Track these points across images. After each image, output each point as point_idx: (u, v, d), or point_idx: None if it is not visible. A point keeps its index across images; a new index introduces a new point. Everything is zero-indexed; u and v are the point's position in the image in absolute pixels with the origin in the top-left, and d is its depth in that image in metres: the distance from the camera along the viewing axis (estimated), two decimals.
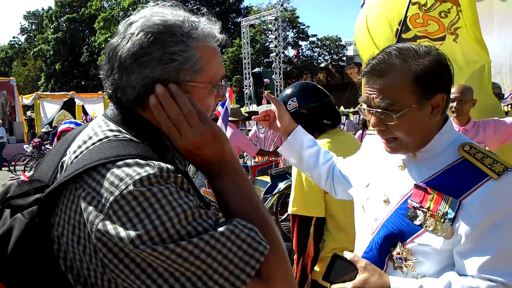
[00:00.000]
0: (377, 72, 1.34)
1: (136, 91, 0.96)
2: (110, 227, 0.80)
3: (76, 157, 0.93)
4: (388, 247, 1.42)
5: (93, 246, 0.83)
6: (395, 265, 1.40)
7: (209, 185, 1.03)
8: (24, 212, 0.89)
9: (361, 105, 1.42)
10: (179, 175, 0.88)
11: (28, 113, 26.45)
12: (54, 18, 47.97)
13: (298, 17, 39.01)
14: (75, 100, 23.86)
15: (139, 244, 0.78)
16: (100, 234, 0.80)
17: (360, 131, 10.05)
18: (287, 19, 35.76)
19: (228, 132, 6.29)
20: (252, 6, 41.50)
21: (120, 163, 0.85)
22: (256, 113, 10.70)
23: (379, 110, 1.34)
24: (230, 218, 0.91)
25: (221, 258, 0.82)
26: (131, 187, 0.81)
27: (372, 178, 1.59)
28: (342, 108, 11.30)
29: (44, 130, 19.92)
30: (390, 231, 1.41)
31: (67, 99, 23.92)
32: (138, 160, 0.86)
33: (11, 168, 15.25)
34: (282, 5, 35.29)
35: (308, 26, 39.62)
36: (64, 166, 0.96)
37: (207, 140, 0.97)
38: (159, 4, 1.02)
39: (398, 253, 1.38)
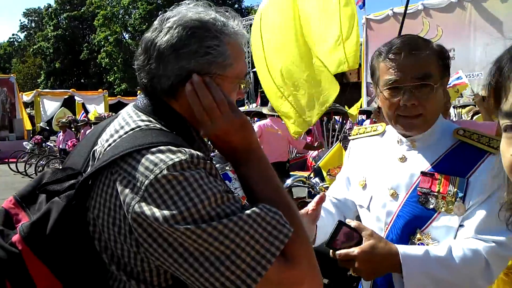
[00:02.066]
0: (412, 47, 1.41)
1: (170, 81, 1.02)
2: (145, 208, 0.85)
3: (109, 145, 0.99)
4: (408, 235, 1.46)
5: (128, 226, 0.89)
6: None
7: (233, 171, 1.09)
8: (61, 196, 0.94)
9: (387, 87, 1.44)
10: (208, 161, 0.94)
11: (28, 110, 26.39)
12: (54, 16, 47.85)
13: None
14: (75, 97, 23.85)
15: (173, 223, 0.84)
16: (136, 215, 0.86)
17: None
18: None
19: (275, 126, 6.58)
20: (253, 6, 41.50)
21: (154, 149, 0.91)
22: (259, 113, 10.73)
23: (417, 83, 1.39)
24: (255, 203, 0.95)
25: (248, 238, 0.86)
26: (165, 172, 0.87)
27: (368, 177, 1.63)
28: (346, 108, 11.44)
29: (41, 124, 19.89)
30: (407, 220, 1.46)
31: (67, 96, 23.94)
32: (170, 147, 0.92)
33: (11, 166, 15.22)
34: None
35: None
36: (96, 155, 1.02)
37: (236, 128, 1.03)
38: (192, 4, 1.08)
39: (419, 239, 1.43)
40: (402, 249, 1.34)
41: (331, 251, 1.35)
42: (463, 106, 11.80)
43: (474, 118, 5.81)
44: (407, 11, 15.41)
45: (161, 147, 0.91)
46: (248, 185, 1.04)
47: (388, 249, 1.32)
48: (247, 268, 0.86)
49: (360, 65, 7.25)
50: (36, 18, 54.65)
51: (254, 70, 20.61)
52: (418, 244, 1.43)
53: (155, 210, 0.85)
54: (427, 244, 1.41)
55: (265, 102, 20.28)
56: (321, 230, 1.57)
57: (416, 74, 1.39)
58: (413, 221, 1.45)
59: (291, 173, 6.90)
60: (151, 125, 1.01)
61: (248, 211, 0.89)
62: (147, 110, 1.05)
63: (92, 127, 11.63)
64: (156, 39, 1.02)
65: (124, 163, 0.92)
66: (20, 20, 67.56)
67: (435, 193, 1.41)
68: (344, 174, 1.80)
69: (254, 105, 19.00)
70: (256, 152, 1.07)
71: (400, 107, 1.43)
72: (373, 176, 1.61)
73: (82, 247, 0.94)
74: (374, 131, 1.72)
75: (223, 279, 0.85)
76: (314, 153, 7.57)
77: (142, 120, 1.02)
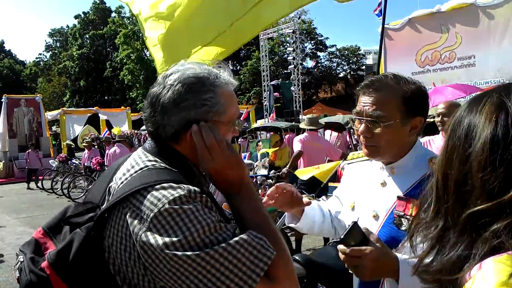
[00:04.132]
0: (374, 86, 1.59)
1: (174, 129, 1.18)
2: (150, 237, 1.01)
3: (122, 183, 1.15)
4: None
5: (136, 253, 1.04)
6: None
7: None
8: (82, 228, 1.10)
9: (353, 115, 1.67)
10: (204, 195, 1.08)
11: (54, 128, 27.13)
12: (78, 35, 49.33)
13: (315, 28, 39.29)
14: (99, 115, 24.47)
15: (173, 250, 0.98)
16: (142, 243, 1.01)
17: None
18: (304, 31, 36.00)
19: (314, 139, 7.08)
20: None
21: (157, 186, 1.07)
22: (274, 128, 10.81)
23: (369, 119, 1.58)
24: (244, 230, 1.09)
25: (236, 261, 1.00)
26: (167, 206, 1.02)
27: (356, 200, 1.79)
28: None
29: (67, 142, 20.44)
30: (384, 240, 1.55)
31: (91, 114, 24.62)
32: (171, 183, 1.07)
33: (39, 184, 15.59)
34: (299, 17, 35.56)
35: (327, 38, 39.87)
36: (112, 191, 1.19)
37: (232, 165, 1.20)
38: (188, 61, 1.28)
39: None
40: (400, 256, 1.45)
41: (340, 246, 1.43)
42: None
43: None
44: (425, 19, 15.27)
45: (164, 184, 1.07)
46: (239, 214, 1.19)
47: (392, 255, 1.44)
48: (236, 287, 1.00)
49: (377, 73, 7.28)
50: (60, 38, 56.41)
51: (272, 83, 20.45)
52: None
53: (158, 238, 1.00)
54: None
55: (280, 115, 20.39)
56: (309, 219, 1.88)
57: (370, 111, 1.57)
58: (390, 241, 1.56)
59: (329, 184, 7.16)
60: (157, 165, 1.17)
61: (236, 238, 1.03)
62: (153, 152, 1.22)
63: (115, 145, 11.94)
64: (160, 95, 1.18)
65: (134, 198, 1.07)
66: (45, 41, 69.41)
67: (408, 216, 1.53)
68: (340, 195, 1.99)
69: (269, 118, 19.13)
70: (247, 186, 1.22)
71: (360, 135, 1.65)
72: (360, 199, 1.77)
73: (99, 271, 1.09)
74: (364, 156, 1.86)
75: None
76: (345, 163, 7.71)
77: (149, 160, 1.19)
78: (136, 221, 1.04)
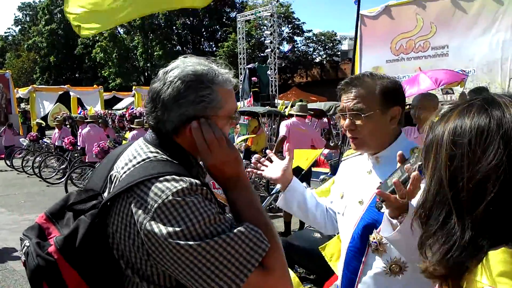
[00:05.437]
0: (353, 83, 1.77)
1: (174, 124, 1.24)
2: (154, 226, 1.07)
3: (125, 172, 1.21)
4: (367, 235, 1.75)
5: (140, 240, 1.11)
6: (372, 248, 1.73)
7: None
8: (86, 214, 1.16)
9: (337, 113, 1.85)
10: (204, 188, 1.15)
11: (22, 105, 26.37)
12: (47, 11, 47.70)
13: (293, 12, 39.05)
14: (70, 93, 23.93)
15: (175, 239, 1.05)
16: (147, 231, 1.08)
17: None
18: (282, 15, 35.82)
19: (301, 125, 7.34)
20: (248, 0, 41.37)
21: (161, 178, 1.13)
22: (252, 113, 10.84)
23: (352, 113, 1.74)
24: (241, 222, 1.17)
25: (234, 252, 1.08)
26: (170, 197, 1.09)
27: (345, 189, 1.93)
28: (336, 102, 11.30)
29: (37, 121, 20.00)
30: (367, 222, 1.75)
31: (62, 92, 24.02)
32: (174, 176, 1.13)
33: (7, 162, 15.31)
34: (278, 1, 35.36)
35: (303, 23, 39.75)
36: (114, 180, 1.25)
37: (230, 160, 1.27)
38: (190, 56, 1.32)
39: (374, 238, 1.71)
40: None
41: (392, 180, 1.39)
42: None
43: None
44: (401, 8, 15.39)
45: (167, 177, 1.13)
46: (235, 207, 1.26)
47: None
48: (233, 276, 1.07)
49: (353, 60, 7.51)
50: (31, 13, 54.19)
51: (248, 66, 20.27)
52: (372, 243, 1.71)
53: (162, 228, 1.07)
54: (379, 244, 1.69)
55: (256, 99, 20.34)
56: (299, 193, 2.04)
57: (351, 106, 1.75)
58: (371, 223, 1.73)
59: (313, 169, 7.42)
60: (159, 156, 1.23)
61: (235, 230, 1.11)
62: (154, 143, 1.28)
63: (88, 126, 11.75)
64: (161, 91, 1.24)
65: (138, 189, 1.13)
66: (14, 14, 66.83)
67: None
68: (334, 189, 2.11)
69: (246, 102, 19.11)
70: (243, 181, 1.29)
71: (345, 130, 1.81)
72: (348, 187, 1.91)
73: (104, 255, 1.16)
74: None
75: (213, 284, 1.07)
76: (326, 151, 8.14)
77: (151, 152, 1.25)
78: (140, 211, 1.10)
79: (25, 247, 1.19)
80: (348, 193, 1.90)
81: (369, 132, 1.74)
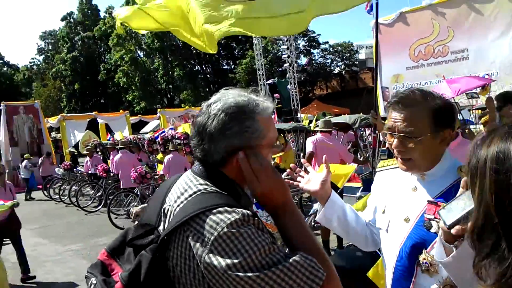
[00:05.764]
0: (404, 103, 1.71)
1: (220, 155, 1.29)
2: (213, 259, 1.11)
3: (178, 206, 1.25)
4: (415, 254, 1.70)
5: (201, 273, 1.15)
6: (423, 268, 1.68)
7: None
8: (147, 249, 1.21)
9: (385, 130, 1.79)
10: (256, 218, 1.18)
11: (53, 134, 27.05)
12: (67, 39, 48.66)
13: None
14: (98, 119, 24.34)
15: (234, 271, 1.09)
16: (206, 264, 1.12)
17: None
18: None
19: (327, 140, 7.33)
20: None
21: (214, 211, 1.16)
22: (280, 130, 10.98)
23: (402, 135, 1.70)
24: (293, 250, 1.21)
25: (292, 282, 1.10)
26: (225, 229, 1.12)
27: (387, 204, 1.89)
28: (361, 114, 11.21)
29: (69, 149, 20.52)
30: (414, 241, 1.72)
31: (90, 119, 24.48)
32: (226, 208, 1.17)
33: (45, 192, 15.61)
34: None
35: (319, 34, 39.66)
36: (167, 213, 1.29)
37: (278, 187, 1.30)
38: (230, 89, 1.38)
39: (424, 259, 1.68)
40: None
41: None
42: (480, 109, 12.01)
43: (481, 120, 6.22)
44: (416, 12, 15.40)
45: (220, 209, 1.17)
46: (286, 234, 1.29)
47: None
48: None
49: (373, 69, 7.57)
50: (52, 41, 55.29)
51: (268, 82, 20.27)
52: (423, 263, 1.68)
53: (221, 260, 1.10)
54: (430, 264, 1.65)
55: (278, 115, 20.35)
56: (338, 207, 1.95)
57: (402, 128, 1.69)
58: (420, 243, 1.70)
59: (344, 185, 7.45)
60: (209, 188, 1.27)
61: (290, 260, 1.13)
62: (202, 175, 1.32)
63: (120, 152, 12.01)
64: (206, 124, 1.29)
65: (193, 222, 1.18)
66: (37, 43, 68.52)
67: (438, 219, 1.59)
68: (371, 202, 2.09)
69: None
70: (291, 206, 1.32)
71: (393, 149, 1.76)
72: (391, 203, 1.88)
73: None
74: (395, 164, 1.95)
75: None
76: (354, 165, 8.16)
77: (201, 184, 1.29)
78: (198, 244, 1.14)
79: (92, 285, 1.24)
80: (391, 208, 1.86)
81: (419, 155, 1.69)
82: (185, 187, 1.30)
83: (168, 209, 1.29)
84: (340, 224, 1.99)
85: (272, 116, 1.46)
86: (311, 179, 2.00)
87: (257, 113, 1.31)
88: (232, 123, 1.27)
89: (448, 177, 1.73)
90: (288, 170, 2.07)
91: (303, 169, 2.07)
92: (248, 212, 1.18)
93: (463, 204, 1.13)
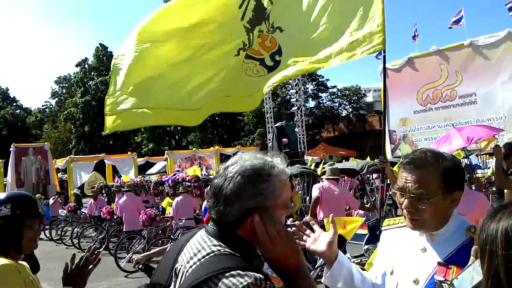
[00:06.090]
0: (416, 165, 1.71)
1: (235, 217, 1.30)
2: None
3: (191, 267, 1.26)
4: None
5: None
6: None
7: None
8: None
9: (395, 190, 1.78)
10: (268, 282, 1.19)
11: (59, 175, 27.19)
12: (81, 84, 50.01)
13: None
14: (105, 161, 24.56)
15: None
16: None
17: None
18: (306, 73, 36.51)
19: (334, 187, 7.30)
20: None
21: (227, 274, 1.17)
22: None
23: (413, 196, 1.69)
24: None
25: None
26: None
27: (395, 264, 1.86)
28: (368, 159, 11.07)
29: (74, 191, 20.50)
30: None
31: (98, 160, 24.70)
32: (239, 271, 1.17)
33: (47, 233, 15.44)
34: None
35: (327, 79, 40.31)
36: (179, 274, 1.29)
37: (292, 252, 1.31)
38: (246, 153, 1.42)
39: None
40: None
41: None
42: (488, 154, 11.83)
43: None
44: (424, 59, 15.62)
45: (233, 272, 1.17)
46: None
47: None
48: None
49: (381, 112, 7.53)
50: (66, 85, 57.06)
51: (276, 125, 20.50)
52: None
53: None
54: None
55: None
56: (346, 269, 1.86)
57: (413, 189, 1.69)
58: None
59: None
60: (222, 250, 1.27)
61: None
62: (216, 236, 1.33)
63: (125, 194, 11.94)
64: (223, 187, 1.32)
65: (206, 285, 1.17)
66: (51, 88, 70.47)
67: (449, 282, 1.56)
68: (378, 262, 2.03)
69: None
70: (303, 270, 1.33)
71: (403, 209, 1.75)
72: (399, 264, 1.84)
73: None
74: (401, 222, 1.94)
75: None
76: (360, 211, 8.14)
77: (214, 245, 1.29)
78: None
79: None
80: (399, 269, 1.84)
81: (429, 216, 1.70)
82: (199, 247, 1.31)
83: (180, 269, 1.29)
84: (346, 285, 1.93)
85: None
86: (317, 238, 1.94)
87: (273, 175, 1.33)
88: (247, 185, 1.30)
89: (456, 237, 1.72)
90: (294, 228, 2.02)
91: (306, 224, 2.04)
92: (261, 276, 1.18)
93: (474, 274, 1.21)
